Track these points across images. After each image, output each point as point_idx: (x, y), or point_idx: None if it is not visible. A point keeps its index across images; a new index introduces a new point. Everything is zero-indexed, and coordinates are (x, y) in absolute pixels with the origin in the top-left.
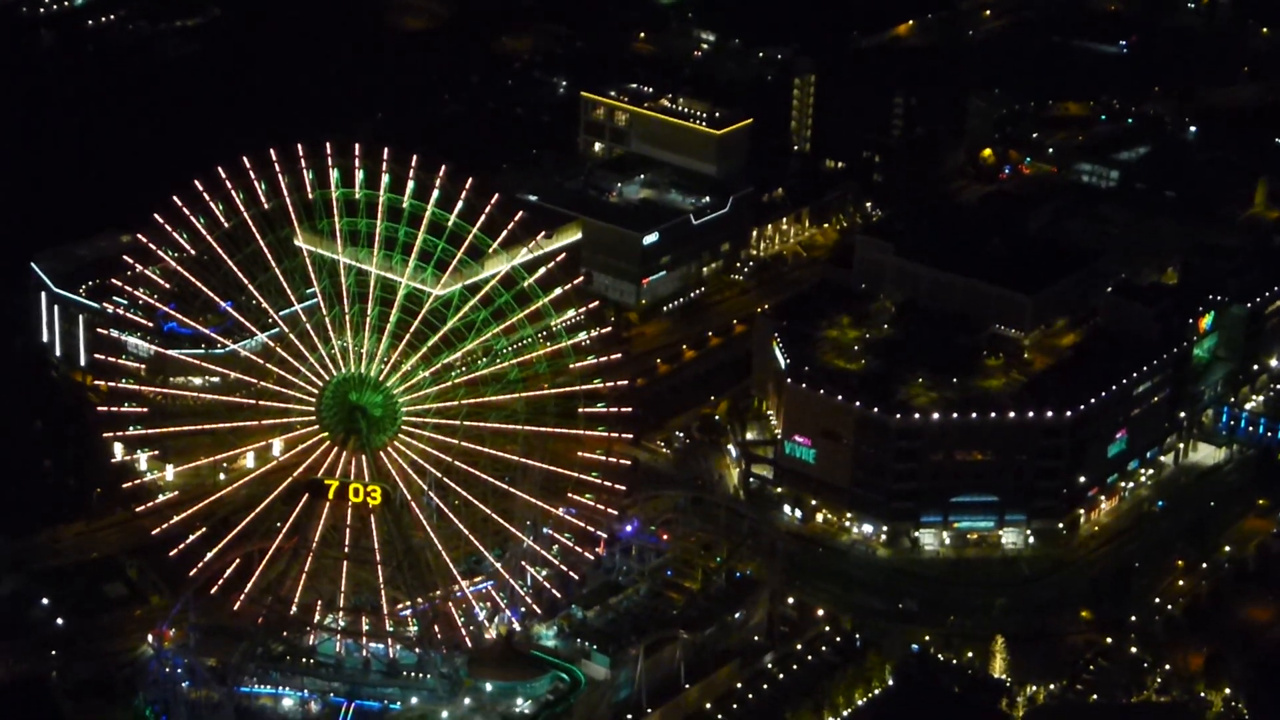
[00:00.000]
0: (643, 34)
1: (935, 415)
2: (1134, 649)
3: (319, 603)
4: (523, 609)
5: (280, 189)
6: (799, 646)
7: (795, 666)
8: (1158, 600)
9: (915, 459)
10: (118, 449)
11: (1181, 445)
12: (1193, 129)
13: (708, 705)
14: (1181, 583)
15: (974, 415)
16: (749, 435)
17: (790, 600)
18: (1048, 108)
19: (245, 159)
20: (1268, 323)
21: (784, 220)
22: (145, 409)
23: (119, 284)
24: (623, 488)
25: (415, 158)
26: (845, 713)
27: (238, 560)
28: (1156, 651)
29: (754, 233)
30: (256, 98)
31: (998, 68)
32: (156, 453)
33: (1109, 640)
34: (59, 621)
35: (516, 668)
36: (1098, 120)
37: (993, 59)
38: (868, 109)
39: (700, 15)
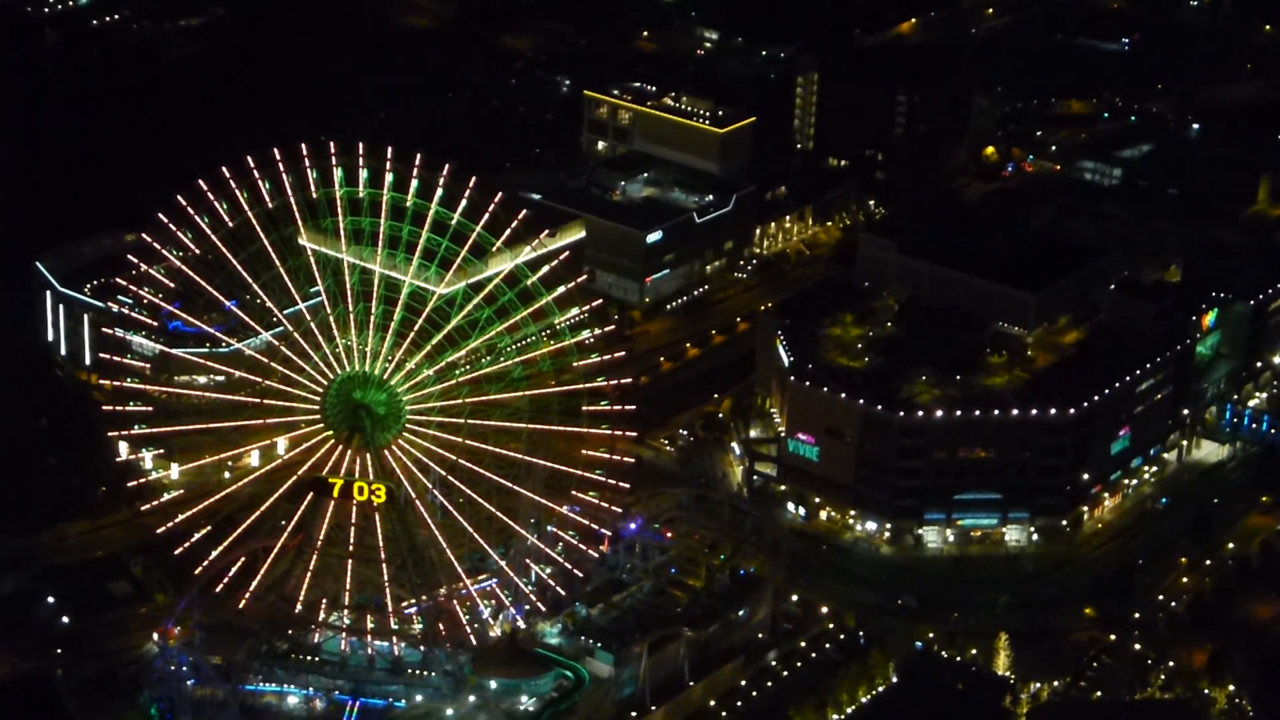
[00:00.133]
0: (645, 32)
1: (938, 413)
2: (1137, 646)
3: (323, 601)
4: (527, 606)
5: (284, 188)
6: (802, 644)
7: (799, 664)
8: (1161, 597)
9: (918, 456)
10: (122, 447)
11: (1185, 442)
12: (1195, 127)
13: (711, 702)
14: (1185, 580)
15: (977, 413)
16: (752, 433)
17: (794, 598)
18: (1050, 105)
19: (249, 158)
20: (1270, 320)
21: (787, 218)
22: (150, 408)
23: (123, 283)
24: (626, 485)
25: (419, 156)
26: (849, 710)
27: (242, 558)
28: (1160, 649)
29: (757, 231)
30: (260, 97)
31: (1000, 66)
32: (161, 451)
33: (1112, 637)
34: (64, 619)
35: (521, 665)
36: (1100, 118)
37: (995, 57)
38: (870, 107)
39: (703, 13)
